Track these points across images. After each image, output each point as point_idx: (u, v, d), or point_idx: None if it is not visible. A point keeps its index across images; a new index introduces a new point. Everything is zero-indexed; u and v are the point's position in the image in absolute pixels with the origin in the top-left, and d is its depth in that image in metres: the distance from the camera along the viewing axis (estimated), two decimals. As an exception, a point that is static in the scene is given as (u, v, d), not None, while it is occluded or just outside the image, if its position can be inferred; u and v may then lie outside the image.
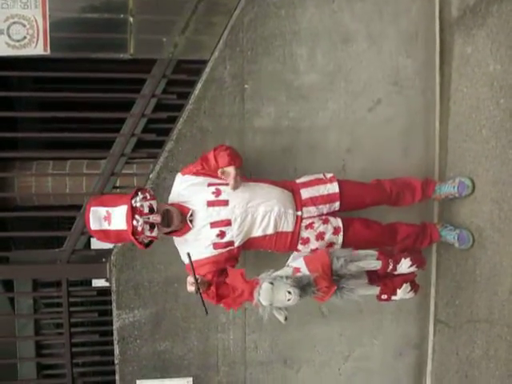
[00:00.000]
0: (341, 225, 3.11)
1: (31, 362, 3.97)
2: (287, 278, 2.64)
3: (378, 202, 3.34)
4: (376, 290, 2.96)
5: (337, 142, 3.61)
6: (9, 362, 3.96)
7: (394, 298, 2.98)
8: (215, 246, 2.91)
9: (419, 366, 3.86)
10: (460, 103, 3.50)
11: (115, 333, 3.55)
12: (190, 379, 3.63)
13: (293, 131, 3.57)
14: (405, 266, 2.96)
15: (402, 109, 3.65)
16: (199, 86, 3.48)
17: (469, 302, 3.41)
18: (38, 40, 3.33)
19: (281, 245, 3.03)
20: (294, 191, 3.09)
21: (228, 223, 2.88)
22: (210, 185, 2.95)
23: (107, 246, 3.63)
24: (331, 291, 2.73)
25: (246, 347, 3.67)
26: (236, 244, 2.93)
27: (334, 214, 3.16)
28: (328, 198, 3.12)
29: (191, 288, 2.78)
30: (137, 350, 3.56)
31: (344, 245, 3.10)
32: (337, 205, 3.14)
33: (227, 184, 2.93)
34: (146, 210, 2.71)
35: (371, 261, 2.91)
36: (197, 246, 2.91)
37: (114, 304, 3.52)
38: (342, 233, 3.10)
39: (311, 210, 3.08)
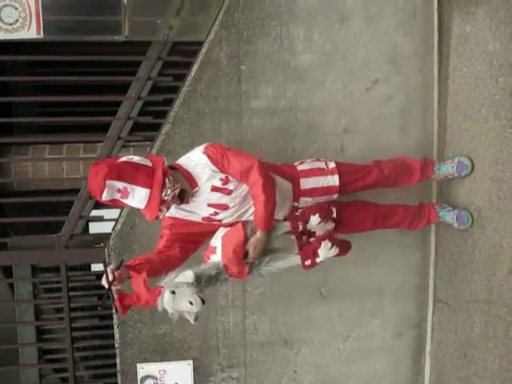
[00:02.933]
0: (334, 215, 3.11)
1: (33, 347, 3.99)
2: (188, 284, 2.52)
3: (376, 186, 3.32)
4: (297, 259, 2.84)
5: (334, 122, 3.59)
6: (10, 347, 3.98)
7: (318, 260, 2.84)
8: (204, 219, 2.89)
9: (418, 345, 3.88)
10: (459, 82, 3.47)
11: (115, 317, 3.56)
12: (191, 362, 3.65)
13: (290, 112, 3.55)
14: (314, 222, 2.87)
15: (399, 88, 3.62)
16: (195, 67, 3.45)
17: (468, 281, 3.41)
18: (30, 23, 3.29)
19: None
20: (294, 181, 3.03)
21: (225, 208, 2.86)
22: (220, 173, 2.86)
23: (105, 230, 3.63)
24: (244, 274, 2.65)
25: (245, 329, 3.68)
26: (223, 221, 2.90)
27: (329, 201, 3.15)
28: (327, 191, 3.08)
29: (104, 282, 2.62)
30: (137, 333, 3.58)
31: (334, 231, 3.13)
32: (335, 197, 3.12)
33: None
34: (170, 198, 2.64)
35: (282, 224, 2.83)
36: (186, 212, 2.88)
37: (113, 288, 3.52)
38: (333, 223, 3.12)
39: (308, 200, 3.05)
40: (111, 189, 2.55)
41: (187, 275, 2.55)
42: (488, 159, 3.22)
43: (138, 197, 2.58)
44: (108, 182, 2.53)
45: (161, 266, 2.76)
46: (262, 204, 2.74)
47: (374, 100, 3.60)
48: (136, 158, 2.67)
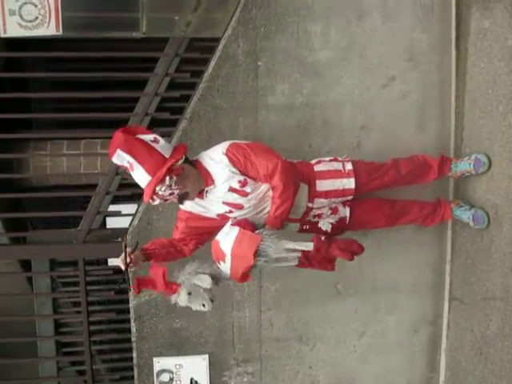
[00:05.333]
0: (348, 214, 3.16)
1: (50, 340, 4.04)
2: (205, 289, 2.66)
3: (392, 186, 3.31)
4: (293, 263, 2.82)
5: (351, 119, 3.58)
6: (29, 339, 4.03)
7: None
8: (219, 215, 2.93)
9: (434, 342, 3.87)
10: (476, 79, 3.45)
11: (132, 311, 3.59)
12: (206, 356, 3.67)
13: (307, 108, 3.55)
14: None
15: (417, 85, 3.60)
16: (212, 63, 3.46)
17: (484, 279, 3.40)
18: (49, 20, 3.32)
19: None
20: (310, 182, 3.04)
21: (240, 207, 2.89)
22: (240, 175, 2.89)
23: (123, 225, 3.66)
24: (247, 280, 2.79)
25: (261, 324, 3.70)
26: (237, 218, 2.94)
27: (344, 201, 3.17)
28: (342, 193, 3.09)
29: (121, 263, 2.73)
30: (153, 327, 3.60)
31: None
32: (349, 198, 3.14)
33: (255, 179, 2.87)
34: (167, 194, 2.72)
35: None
36: (201, 208, 2.93)
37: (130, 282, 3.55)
38: (346, 221, 3.17)
39: (323, 202, 3.07)
40: (120, 157, 2.66)
41: (205, 280, 2.67)
42: (505, 156, 3.20)
43: (140, 177, 2.69)
44: (118, 151, 2.65)
45: (175, 255, 2.95)
46: (274, 207, 2.84)
47: (391, 96, 3.59)
48: (159, 144, 2.72)
